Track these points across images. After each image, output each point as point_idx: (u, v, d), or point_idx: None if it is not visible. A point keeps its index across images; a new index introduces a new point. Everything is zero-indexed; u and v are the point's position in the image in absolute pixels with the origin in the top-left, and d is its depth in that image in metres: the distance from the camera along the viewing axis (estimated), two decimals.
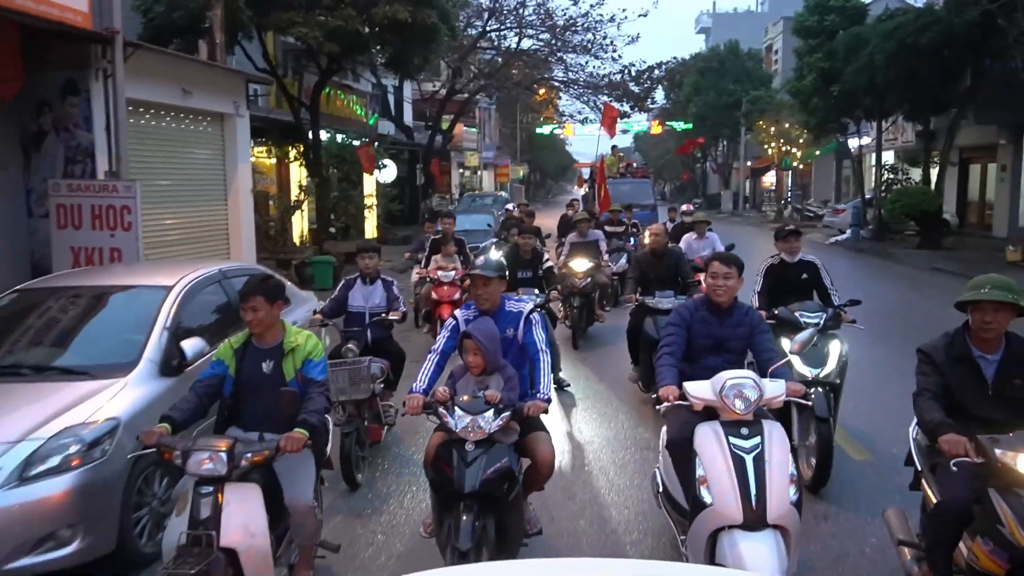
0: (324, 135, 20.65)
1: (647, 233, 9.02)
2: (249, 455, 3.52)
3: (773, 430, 3.77)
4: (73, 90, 10.51)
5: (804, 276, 6.56)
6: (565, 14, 30.81)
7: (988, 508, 3.30)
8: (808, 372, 5.63)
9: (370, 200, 24.54)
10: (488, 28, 30.94)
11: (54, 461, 4.04)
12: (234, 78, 13.98)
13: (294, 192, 20.08)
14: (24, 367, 4.68)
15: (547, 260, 8.86)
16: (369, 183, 24.80)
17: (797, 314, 6.00)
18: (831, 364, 5.75)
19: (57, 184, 10.15)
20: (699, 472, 3.71)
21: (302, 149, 19.99)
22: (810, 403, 4.31)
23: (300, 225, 20.69)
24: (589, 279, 10.33)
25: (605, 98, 32.43)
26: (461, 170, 46.61)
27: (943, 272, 17.95)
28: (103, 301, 5.30)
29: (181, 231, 12.53)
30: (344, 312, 6.67)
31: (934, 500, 3.69)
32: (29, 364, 4.74)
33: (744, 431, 3.70)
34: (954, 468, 3.32)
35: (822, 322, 5.90)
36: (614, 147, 28.59)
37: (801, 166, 41.67)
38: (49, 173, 10.62)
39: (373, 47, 18.11)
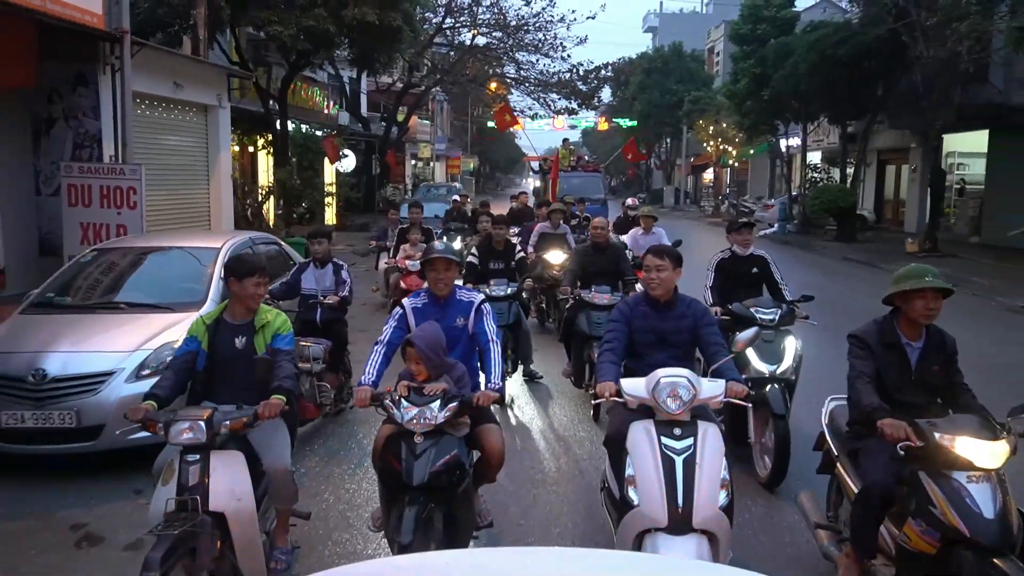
0: (290, 125, 21.90)
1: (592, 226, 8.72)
2: (227, 422, 3.67)
3: (708, 431, 3.70)
4: (83, 82, 11.75)
5: (755, 270, 6.57)
6: (518, 13, 32.34)
7: (919, 491, 3.39)
8: (765, 368, 5.64)
9: (330, 188, 25.80)
10: (444, 25, 32.29)
11: (156, 365, 5.51)
12: (217, 72, 15.27)
13: (261, 179, 21.30)
14: (121, 303, 6.14)
15: (519, 251, 8.52)
16: (329, 172, 26.06)
17: (752, 310, 5.97)
18: (787, 360, 5.73)
19: (69, 166, 11.37)
20: (628, 471, 3.66)
21: (270, 138, 21.25)
22: (749, 404, 4.16)
23: (267, 209, 21.92)
24: (564, 272, 9.83)
25: (555, 95, 34.13)
26: (414, 161, 47.90)
27: (851, 261, 20.15)
28: (169, 257, 6.79)
29: (169, 211, 13.79)
30: (296, 295, 6.89)
31: (852, 485, 3.80)
32: (124, 301, 6.20)
33: (677, 431, 3.64)
34: (901, 452, 3.43)
35: (777, 318, 5.91)
36: (565, 140, 29.77)
37: (737, 164, 44.10)
38: (57, 156, 11.85)
39: (342, 45, 19.42)
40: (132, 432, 5.30)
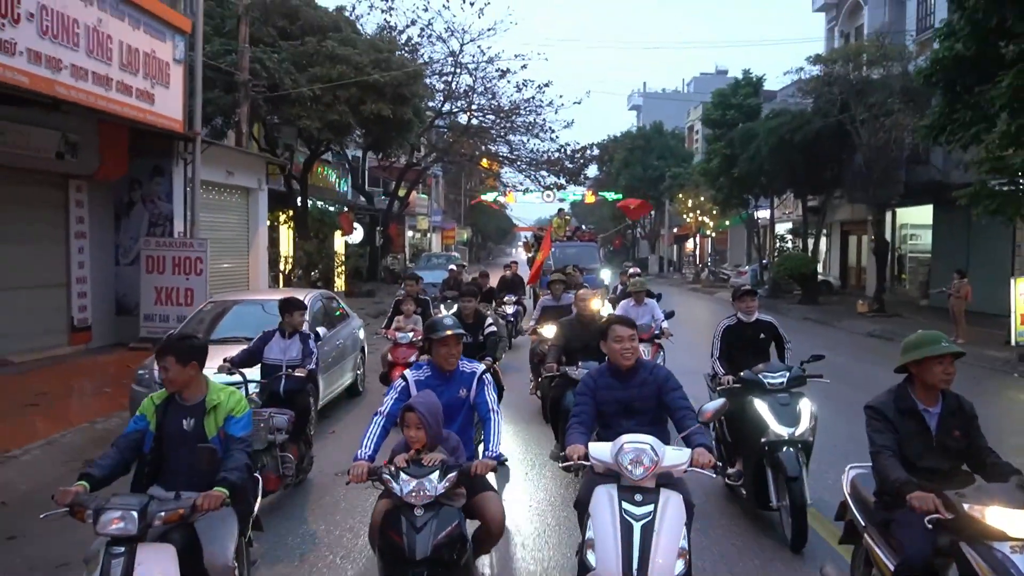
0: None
1: (577, 299, 8.16)
2: (163, 514, 3.46)
3: (670, 499, 3.69)
4: (159, 172, 14.39)
5: (762, 336, 6.61)
6: (511, 99, 35.48)
7: (962, 563, 3.32)
8: (784, 432, 5.64)
9: (339, 259, 28.36)
10: (443, 110, 35.40)
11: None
12: (258, 160, 17.95)
13: (283, 250, 23.83)
14: (239, 337, 8.44)
15: (489, 324, 8.13)
16: (339, 243, 28.65)
17: (760, 376, 5.97)
18: (804, 423, 5.72)
19: (147, 240, 13.90)
20: (588, 535, 3.68)
21: (291, 214, 23.88)
22: (715, 475, 3.98)
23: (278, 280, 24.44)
24: None
25: (544, 172, 37.07)
26: (411, 232, 50.72)
27: (810, 320, 22.66)
28: (267, 306, 9.14)
29: (219, 277, 16.22)
30: (256, 363, 6.81)
31: (885, 559, 3.71)
32: (241, 336, 8.48)
33: (638, 497, 3.64)
34: (929, 526, 3.37)
35: (786, 381, 5.92)
36: (561, 210, 31.20)
37: (713, 234, 47.07)
38: (134, 233, 14.40)
39: (359, 135, 22.22)
40: None
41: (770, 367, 6.12)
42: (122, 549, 3.36)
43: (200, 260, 13.79)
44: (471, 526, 4.11)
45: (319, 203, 26.89)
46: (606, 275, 23.90)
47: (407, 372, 4.53)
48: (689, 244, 57.62)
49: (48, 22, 9.81)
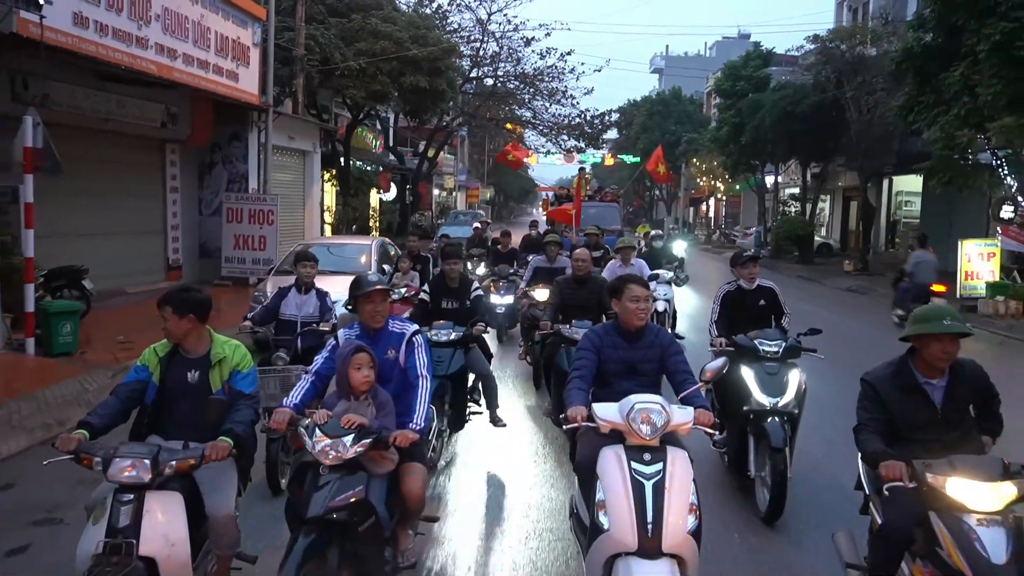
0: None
1: (573, 257, 8.09)
2: (173, 463, 3.49)
3: (676, 457, 3.70)
4: (236, 137, 17.00)
5: (762, 302, 6.44)
6: (535, 66, 37.61)
7: (928, 531, 3.32)
8: (767, 401, 5.55)
9: (375, 214, 31.00)
10: (471, 75, 37.61)
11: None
12: (313, 127, 20.51)
13: (326, 203, 26.49)
14: (325, 271, 11.09)
15: (476, 289, 7.41)
16: (374, 199, 31.26)
17: (756, 342, 5.87)
18: (790, 394, 5.62)
19: (228, 195, 16.60)
20: (599, 496, 3.65)
21: (334, 173, 26.48)
22: (714, 433, 4.16)
23: (328, 229, 27.14)
24: None
25: (565, 136, 39.31)
26: (437, 191, 53.19)
27: (802, 278, 25.09)
28: (344, 247, 11.78)
29: (283, 228, 18.88)
30: (273, 320, 6.71)
31: (879, 523, 3.71)
32: (326, 269, 11.08)
33: (647, 456, 3.65)
34: (886, 493, 3.43)
35: (781, 350, 5.81)
36: (582, 168, 32.34)
37: (725, 198, 49.18)
38: (215, 190, 17.06)
39: (398, 102, 24.68)
40: None
41: (766, 334, 6.00)
42: (131, 496, 3.38)
43: (272, 212, 16.48)
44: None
45: (358, 163, 29.42)
46: (679, 247, 19.43)
47: (339, 332, 4.44)
48: (704, 207, 59.70)
49: (168, 20, 12.40)
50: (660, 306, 10.96)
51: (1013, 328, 14.45)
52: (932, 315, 3.73)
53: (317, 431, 3.69)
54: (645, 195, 71.43)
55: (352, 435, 3.68)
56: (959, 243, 16.54)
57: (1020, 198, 16.31)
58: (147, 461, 3.39)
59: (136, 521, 3.35)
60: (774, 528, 5.36)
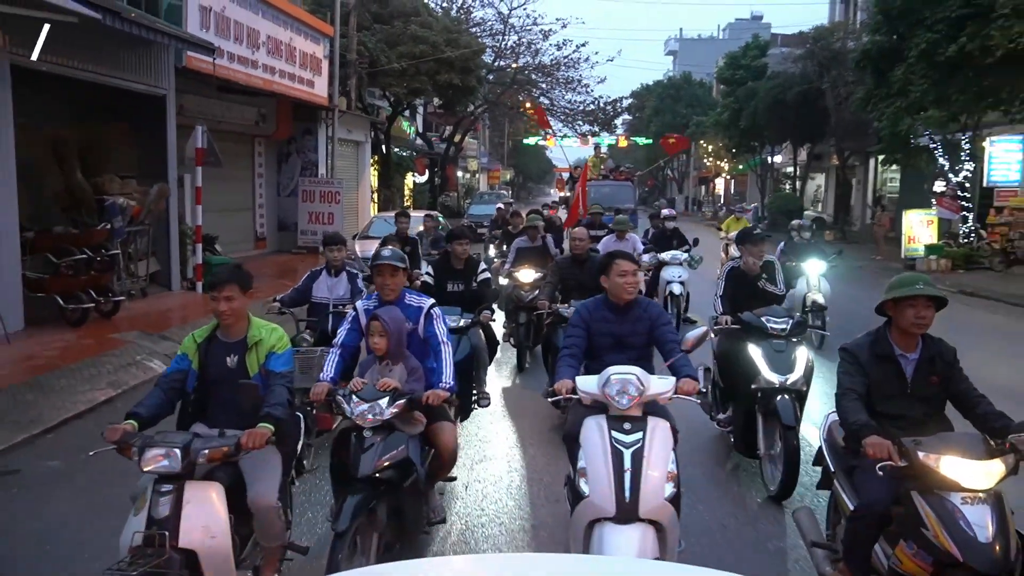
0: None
1: (571, 236, 8.18)
2: (206, 451, 3.44)
3: (657, 426, 3.78)
4: (309, 132, 20.75)
5: (764, 276, 6.41)
6: (552, 57, 40.98)
7: (910, 511, 3.29)
8: (775, 379, 5.51)
9: (409, 194, 34.71)
10: (494, 66, 41.09)
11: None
12: (365, 121, 24.25)
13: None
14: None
15: (483, 271, 7.30)
16: (408, 181, 34.96)
17: (764, 319, 5.83)
18: (798, 371, 5.58)
19: (303, 179, 20.37)
20: (580, 464, 3.77)
21: (376, 159, 30.21)
22: (698, 401, 4.10)
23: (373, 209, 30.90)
24: (537, 291, 8.38)
25: (580, 122, 42.73)
26: (461, 173, 56.87)
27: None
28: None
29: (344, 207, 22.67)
30: (306, 302, 6.79)
31: (849, 504, 3.68)
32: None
33: (627, 426, 3.72)
34: (880, 473, 3.32)
35: (789, 327, 5.78)
36: (597, 146, 34.27)
37: (730, 177, 52.53)
38: (290, 175, 20.85)
39: (433, 96, 28.32)
40: None
41: (774, 311, 5.96)
42: (170, 487, 3.35)
43: (338, 193, 20.24)
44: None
45: (395, 150, 33.14)
46: (814, 271, 12.84)
47: (357, 304, 4.66)
48: (712, 185, 63.01)
49: (271, 46, 16.12)
50: (676, 288, 10.87)
51: (939, 280, 17.90)
52: (906, 281, 3.72)
53: (354, 397, 3.91)
54: (659, 175, 74.70)
55: (387, 397, 3.89)
56: (902, 213, 20.00)
57: (951, 175, 19.72)
58: (177, 450, 3.35)
59: (176, 512, 3.31)
60: (782, 506, 5.30)
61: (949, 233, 20.29)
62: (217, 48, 12.44)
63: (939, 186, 20.39)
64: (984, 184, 21.68)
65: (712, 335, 6.31)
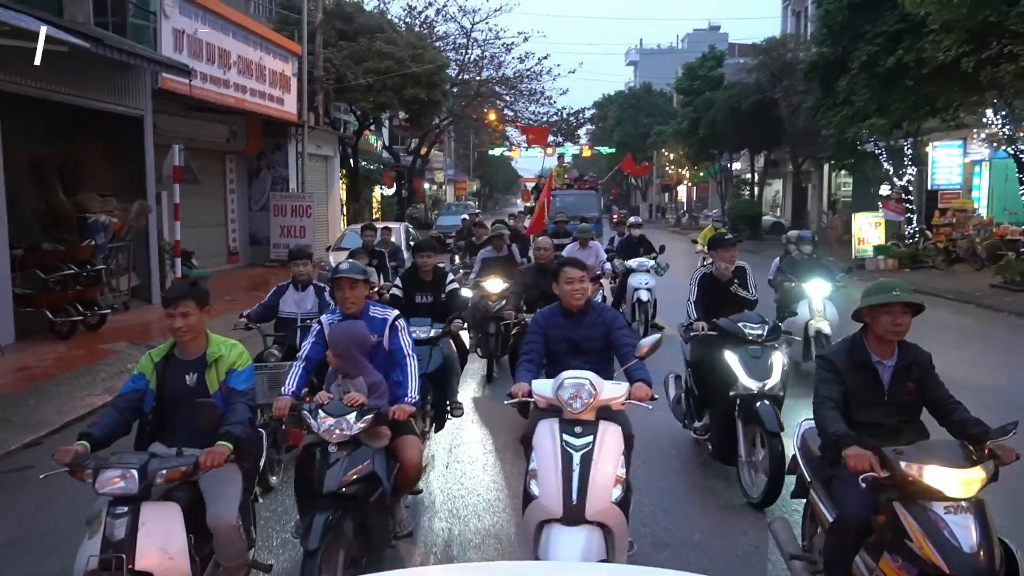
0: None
1: (535, 245, 8.26)
2: (164, 472, 3.36)
3: (608, 430, 3.82)
4: (278, 148, 21.26)
5: (735, 281, 6.34)
6: (515, 70, 41.73)
7: (894, 522, 3.25)
8: (753, 385, 5.48)
9: (377, 207, 35.19)
10: (457, 79, 41.78)
11: None
12: (333, 136, 24.77)
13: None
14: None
15: (451, 282, 7.21)
16: (376, 194, 35.46)
17: (740, 325, 5.78)
18: (775, 376, 5.56)
19: (274, 194, 20.85)
20: (531, 465, 3.82)
21: (344, 173, 30.69)
22: (650, 407, 4.07)
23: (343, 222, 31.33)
24: (504, 301, 8.34)
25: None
26: (427, 185, 57.44)
27: (746, 252, 29.39)
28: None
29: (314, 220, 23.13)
30: (273, 317, 6.75)
31: (827, 514, 3.65)
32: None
33: (578, 429, 3.77)
34: (862, 484, 3.26)
35: (765, 333, 5.75)
36: (561, 156, 35.19)
37: (691, 184, 53.77)
38: (262, 189, 21.30)
39: (400, 111, 28.90)
40: None
41: (749, 317, 5.94)
42: (125, 508, 3.27)
43: (309, 207, 20.75)
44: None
45: (363, 163, 33.63)
46: (818, 294, 10.72)
47: (323, 317, 4.66)
48: (675, 192, 64.27)
49: (241, 66, 16.62)
50: (644, 295, 10.97)
51: (887, 276, 18.90)
52: (882, 288, 3.67)
53: (321, 412, 3.89)
54: (623, 183, 75.90)
55: (355, 412, 3.88)
56: (853, 215, 21.00)
57: (895, 179, 20.78)
58: (135, 471, 3.27)
59: (132, 534, 3.24)
60: (764, 513, 5.26)
61: (896, 234, 21.33)
62: (192, 70, 12.92)
63: (884, 190, 21.47)
64: (929, 187, 22.86)
65: (684, 342, 6.41)
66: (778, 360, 5.69)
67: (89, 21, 12.36)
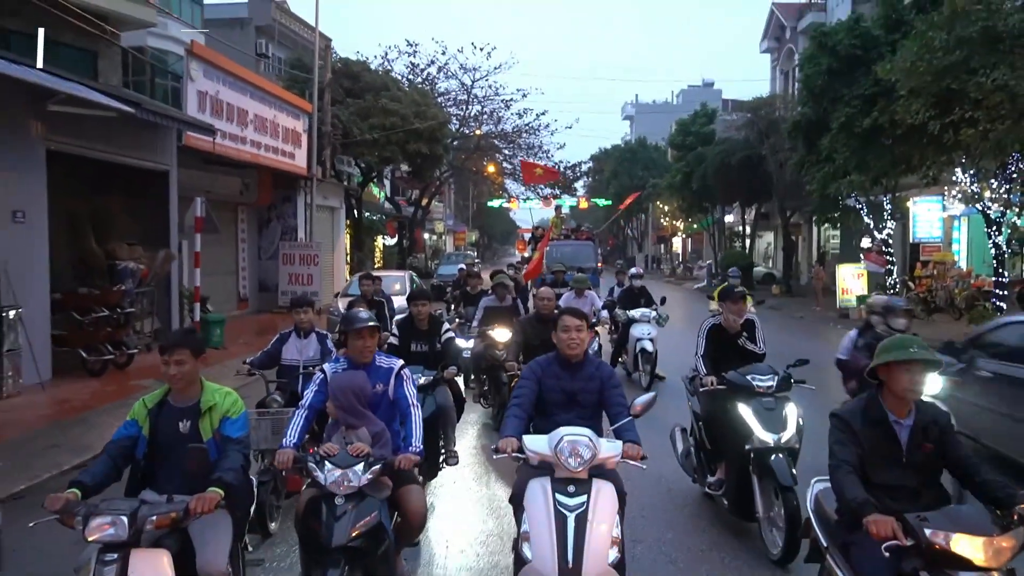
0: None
1: (537, 296, 8.20)
2: (154, 518, 3.36)
3: (602, 489, 3.74)
4: (288, 199, 22.26)
5: (744, 334, 6.25)
6: (514, 126, 43.18)
7: None
8: (769, 438, 5.39)
9: (379, 256, 36.20)
10: (458, 134, 43.20)
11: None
12: (340, 188, 25.85)
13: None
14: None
15: (447, 331, 7.24)
16: (378, 244, 36.48)
17: (749, 377, 5.69)
18: (790, 429, 5.47)
19: (284, 243, 21.79)
20: (523, 528, 3.72)
21: (349, 223, 31.74)
22: (644, 466, 3.97)
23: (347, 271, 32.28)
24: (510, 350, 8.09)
25: (542, 186, 44.81)
26: (427, 235, 58.66)
27: None
28: (388, 278, 16.88)
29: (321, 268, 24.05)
30: (275, 365, 6.81)
31: None
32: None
33: (571, 488, 3.69)
34: (886, 553, 3.12)
35: (775, 385, 5.65)
36: (558, 207, 36.14)
37: (686, 236, 54.98)
38: (271, 239, 22.24)
39: (403, 164, 30.09)
40: None
41: (758, 369, 5.83)
42: (114, 556, 3.27)
43: (317, 256, 21.67)
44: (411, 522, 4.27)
45: (367, 213, 34.73)
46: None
47: (325, 366, 4.63)
48: (670, 243, 65.56)
49: (257, 123, 17.71)
50: (648, 346, 11.06)
51: None
52: (900, 344, 3.58)
53: (327, 463, 3.84)
54: (619, 234, 77.24)
55: (362, 463, 3.85)
56: (836, 267, 21.95)
57: (876, 232, 21.79)
58: (124, 518, 3.28)
59: None
60: (787, 570, 5.10)
61: (879, 284, 22.24)
62: (215, 128, 13.95)
63: (866, 242, 22.45)
64: (911, 240, 23.85)
65: (690, 395, 6.40)
66: (792, 412, 5.61)
67: (120, 84, 13.43)
